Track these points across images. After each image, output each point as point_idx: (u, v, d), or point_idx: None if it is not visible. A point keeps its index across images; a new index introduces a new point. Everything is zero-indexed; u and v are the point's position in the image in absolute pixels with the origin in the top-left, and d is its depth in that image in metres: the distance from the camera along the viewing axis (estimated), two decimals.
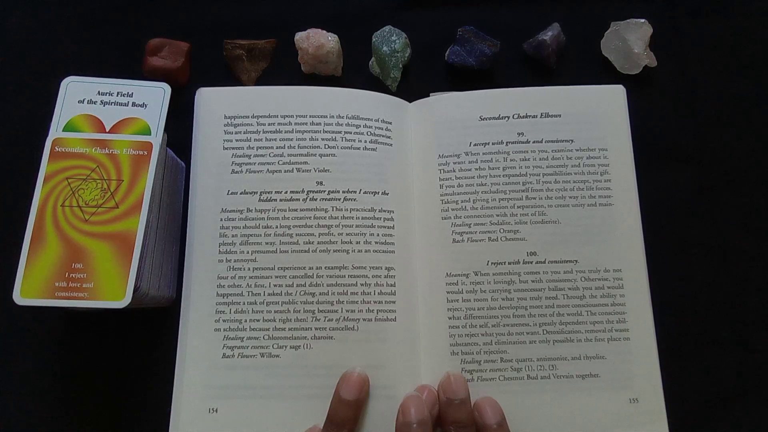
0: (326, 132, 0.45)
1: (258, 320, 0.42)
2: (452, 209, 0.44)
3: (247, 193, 0.44)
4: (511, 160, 0.45)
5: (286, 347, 0.41)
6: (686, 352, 0.45)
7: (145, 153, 0.40)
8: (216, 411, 0.40)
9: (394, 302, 0.42)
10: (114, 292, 0.36)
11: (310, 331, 0.41)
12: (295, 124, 0.45)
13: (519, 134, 0.46)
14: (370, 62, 0.51)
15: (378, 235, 0.43)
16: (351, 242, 0.43)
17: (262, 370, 0.41)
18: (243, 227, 0.43)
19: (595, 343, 0.42)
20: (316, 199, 0.44)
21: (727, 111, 0.50)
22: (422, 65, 0.51)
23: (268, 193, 0.44)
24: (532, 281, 0.43)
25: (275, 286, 0.42)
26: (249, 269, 0.42)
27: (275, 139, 0.45)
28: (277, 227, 0.43)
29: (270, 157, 0.45)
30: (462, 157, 0.45)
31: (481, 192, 0.44)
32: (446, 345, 0.42)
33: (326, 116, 0.45)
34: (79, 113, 0.41)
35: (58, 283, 0.36)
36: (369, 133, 0.45)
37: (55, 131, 0.40)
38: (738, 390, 0.44)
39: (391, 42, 0.50)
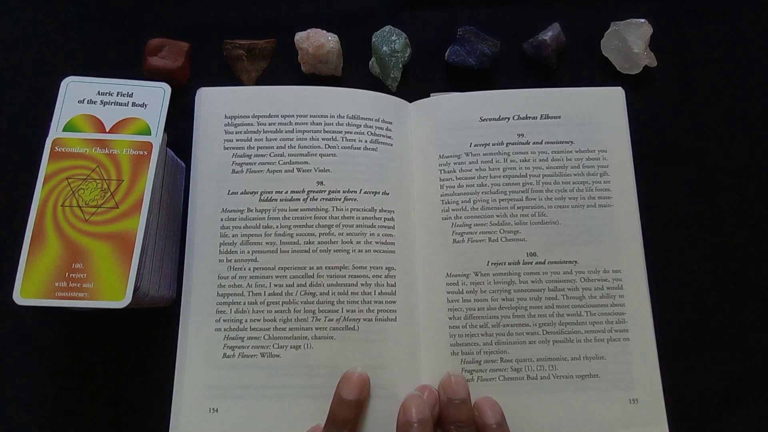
0: (327, 132, 0.45)
1: (258, 320, 0.42)
2: (453, 209, 0.44)
3: (247, 193, 0.44)
4: (511, 161, 0.45)
5: (286, 347, 0.41)
6: (686, 352, 0.45)
7: (145, 153, 0.40)
8: (216, 411, 0.40)
9: (394, 302, 0.42)
10: (114, 292, 0.36)
11: (310, 331, 0.41)
12: (296, 124, 0.45)
13: (519, 135, 0.46)
14: (370, 62, 0.51)
15: (378, 235, 0.43)
16: (351, 242, 0.43)
17: (262, 370, 0.41)
18: (243, 227, 0.43)
19: (595, 344, 0.42)
20: (316, 199, 0.44)
21: (727, 111, 0.50)
22: (422, 65, 0.51)
23: (269, 193, 0.44)
24: (532, 282, 0.43)
25: (276, 285, 0.42)
26: (249, 269, 0.42)
27: (276, 139, 0.45)
28: (277, 227, 0.43)
29: (270, 157, 0.45)
30: (462, 158, 0.45)
31: (482, 192, 0.44)
32: (446, 345, 0.42)
33: (326, 116, 0.45)
34: (79, 113, 0.40)
35: (58, 283, 0.36)
36: (369, 133, 0.45)
37: (55, 131, 0.40)
38: (738, 390, 0.44)
39: (391, 42, 0.50)
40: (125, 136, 0.40)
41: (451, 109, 0.47)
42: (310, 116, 0.45)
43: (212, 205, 0.44)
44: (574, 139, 0.46)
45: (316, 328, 0.41)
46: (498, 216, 0.44)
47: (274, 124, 0.45)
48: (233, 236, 0.43)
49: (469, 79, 0.51)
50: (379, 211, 0.44)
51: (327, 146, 0.45)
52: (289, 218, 0.43)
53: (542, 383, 0.41)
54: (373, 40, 0.50)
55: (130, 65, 0.50)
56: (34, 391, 0.43)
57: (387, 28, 0.51)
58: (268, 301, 0.42)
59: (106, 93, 0.41)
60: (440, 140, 0.46)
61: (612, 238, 0.44)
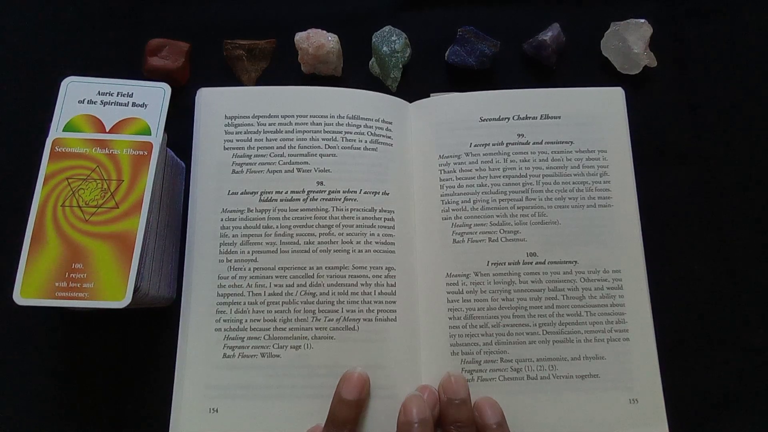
0: (327, 132, 0.45)
1: (258, 320, 0.42)
2: (453, 209, 0.44)
3: (247, 193, 0.44)
4: (511, 161, 0.45)
5: (286, 347, 0.41)
6: (686, 352, 0.45)
7: (145, 153, 0.40)
8: (216, 411, 0.40)
9: (394, 302, 0.42)
10: (114, 292, 0.36)
11: (310, 331, 0.41)
12: (296, 124, 0.45)
13: (519, 135, 0.46)
14: (370, 62, 0.51)
15: (378, 235, 0.43)
16: (351, 242, 0.43)
17: (262, 370, 0.41)
18: (244, 227, 0.43)
19: (595, 344, 0.42)
20: (316, 199, 0.44)
21: (727, 111, 0.50)
22: (422, 65, 0.51)
23: (269, 193, 0.44)
24: (532, 282, 0.43)
25: (276, 286, 0.42)
26: (249, 269, 0.42)
27: (276, 139, 0.45)
28: (277, 227, 0.43)
29: (270, 157, 0.45)
30: (462, 158, 0.45)
31: (482, 193, 0.44)
32: (446, 345, 0.42)
33: (326, 116, 0.45)
34: (79, 113, 0.40)
35: (58, 283, 0.36)
36: (369, 133, 0.45)
37: (55, 131, 0.40)
38: (738, 390, 0.44)
39: (391, 42, 0.50)
40: (125, 136, 0.40)
41: (451, 109, 0.47)
42: (310, 116, 0.45)
43: (212, 205, 0.44)
44: (574, 139, 0.46)
45: (316, 328, 0.41)
46: (498, 216, 0.44)
47: (274, 124, 0.45)
48: (233, 236, 0.43)
49: (469, 79, 0.51)
50: (379, 211, 0.44)
51: (327, 146, 0.45)
52: (289, 218, 0.43)
53: (542, 383, 0.41)
54: (373, 40, 0.50)
55: (130, 65, 0.50)
56: (34, 391, 0.43)
57: (387, 28, 0.51)
58: (268, 301, 0.42)
59: (106, 93, 0.41)
60: (440, 140, 0.46)
61: (612, 238, 0.44)
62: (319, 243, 0.43)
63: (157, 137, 0.40)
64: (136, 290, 0.37)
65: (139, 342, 0.44)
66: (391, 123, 0.46)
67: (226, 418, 0.40)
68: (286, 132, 0.45)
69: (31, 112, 0.49)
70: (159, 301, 0.42)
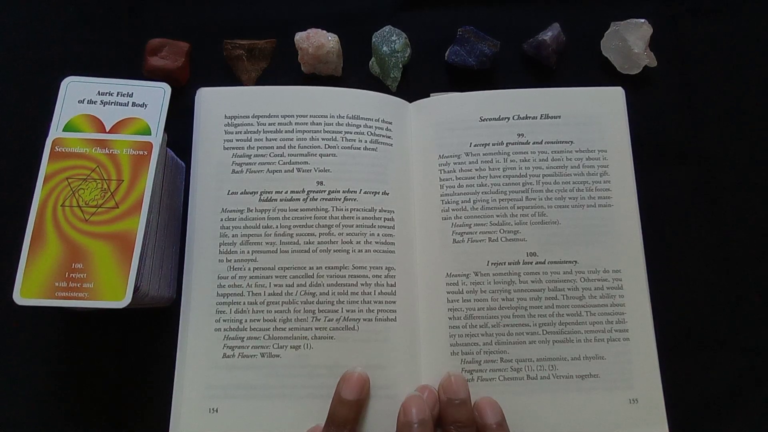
0: (326, 132, 0.45)
1: (258, 320, 0.42)
2: (452, 209, 0.44)
3: (247, 193, 0.44)
4: (511, 161, 0.45)
5: (286, 347, 0.41)
6: (686, 352, 0.45)
7: (145, 153, 0.40)
8: (216, 411, 0.40)
9: (394, 302, 0.42)
10: (114, 292, 0.36)
11: (310, 331, 0.41)
12: (296, 124, 0.45)
13: (519, 135, 0.46)
14: (370, 62, 0.51)
15: (378, 235, 0.43)
16: (351, 242, 0.43)
17: (262, 370, 0.41)
18: (243, 227, 0.43)
19: (595, 344, 0.42)
20: (316, 199, 0.44)
21: (727, 111, 0.50)
22: (422, 65, 0.51)
23: (269, 193, 0.44)
24: (532, 282, 0.43)
25: (275, 286, 0.42)
26: (249, 269, 0.42)
27: (276, 139, 0.45)
28: (277, 227, 0.43)
29: (270, 157, 0.45)
30: (462, 158, 0.45)
31: (482, 192, 0.44)
32: (446, 345, 0.42)
33: (326, 116, 0.45)
34: (79, 113, 0.40)
35: (58, 283, 0.36)
36: (369, 133, 0.45)
37: (55, 131, 0.40)
38: (738, 390, 0.44)
39: (391, 42, 0.50)
40: (125, 136, 0.40)
41: (451, 109, 0.47)
42: (310, 116, 0.45)
43: (212, 205, 0.44)
44: (574, 139, 0.46)
45: (316, 328, 0.41)
46: (498, 216, 0.44)
47: (274, 124, 0.45)
48: (233, 236, 0.43)
49: (469, 79, 0.51)
50: (379, 211, 0.44)
51: (327, 146, 0.45)
52: (289, 218, 0.43)
53: (542, 383, 0.41)
54: (373, 40, 0.50)
55: (130, 65, 0.50)
56: (34, 391, 0.43)
57: (387, 28, 0.51)
58: (268, 301, 0.42)
59: (106, 93, 0.41)
60: (440, 140, 0.46)
61: (612, 238, 0.44)
62: (319, 243, 0.43)
63: (157, 137, 0.40)
64: (136, 290, 0.37)
65: (139, 342, 0.44)
66: (391, 123, 0.46)
67: (226, 418, 0.40)
68: (286, 132, 0.45)
69: (31, 112, 0.49)
70: (159, 301, 0.42)
